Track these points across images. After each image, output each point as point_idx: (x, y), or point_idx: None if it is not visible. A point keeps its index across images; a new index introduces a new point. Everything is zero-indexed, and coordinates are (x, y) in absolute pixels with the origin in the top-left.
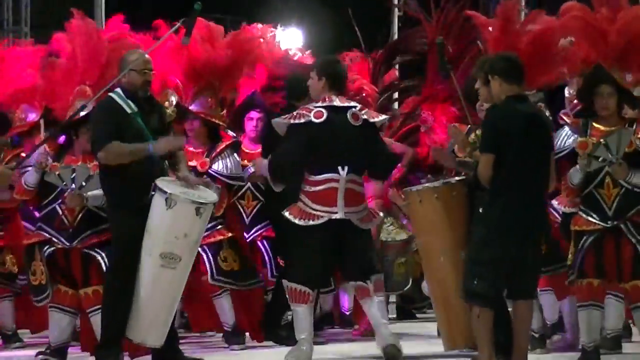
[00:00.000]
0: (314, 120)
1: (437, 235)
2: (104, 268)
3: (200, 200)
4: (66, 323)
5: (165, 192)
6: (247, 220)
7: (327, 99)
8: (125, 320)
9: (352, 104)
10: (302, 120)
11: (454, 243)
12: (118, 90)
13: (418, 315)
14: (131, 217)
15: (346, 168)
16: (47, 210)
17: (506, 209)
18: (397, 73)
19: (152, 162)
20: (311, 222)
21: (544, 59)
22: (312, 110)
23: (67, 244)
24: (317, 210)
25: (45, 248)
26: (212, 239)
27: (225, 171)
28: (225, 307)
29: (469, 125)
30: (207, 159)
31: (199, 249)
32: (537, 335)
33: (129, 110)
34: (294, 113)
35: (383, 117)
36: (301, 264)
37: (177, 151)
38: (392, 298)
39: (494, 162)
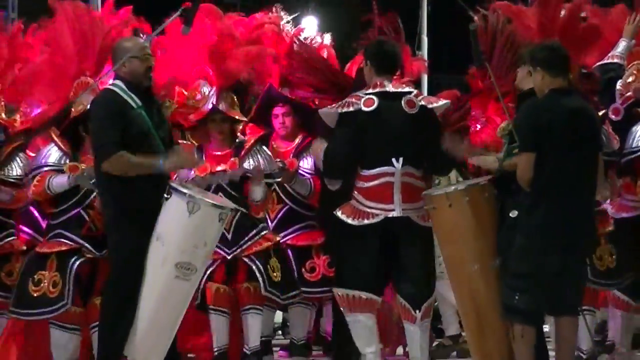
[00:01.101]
0: (363, 108)
1: (468, 242)
2: None
3: (224, 205)
4: (66, 340)
5: (187, 196)
6: (271, 226)
7: (378, 85)
8: (125, 339)
9: (407, 89)
10: (352, 109)
11: (487, 250)
12: (118, 82)
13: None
14: (138, 224)
15: (401, 160)
16: (69, 216)
17: (548, 215)
18: (425, 64)
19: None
20: (366, 221)
21: (573, 38)
22: (362, 97)
23: (97, 253)
24: (371, 208)
25: (74, 259)
26: (259, 247)
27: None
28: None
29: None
30: (236, 159)
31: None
32: (585, 356)
33: (134, 105)
34: (343, 101)
35: (443, 101)
36: (357, 268)
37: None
38: None
39: (535, 163)
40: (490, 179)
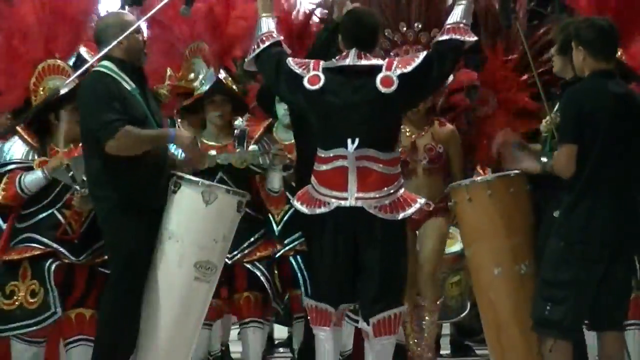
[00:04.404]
0: (307, 86)
1: (490, 242)
2: None
3: (241, 191)
4: (31, 355)
5: (201, 185)
6: (276, 230)
7: (342, 57)
8: (127, 355)
9: (374, 62)
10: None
11: (512, 253)
12: (107, 63)
13: (478, 351)
14: (141, 222)
15: (357, 141)
16: (42, 217)
17: (591, 215)
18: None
19: (165, 151)
20: (318, 210)
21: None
22: (310, 73)
23: (73, 258)
24: (324, 195)
25: (49, 263)
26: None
27: None
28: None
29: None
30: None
31: None
32: None
33: (129, 88)
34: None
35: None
36: (316, 270)
37: None
38: (446, 329)
39: (577, 156)
40: (522, 172)
